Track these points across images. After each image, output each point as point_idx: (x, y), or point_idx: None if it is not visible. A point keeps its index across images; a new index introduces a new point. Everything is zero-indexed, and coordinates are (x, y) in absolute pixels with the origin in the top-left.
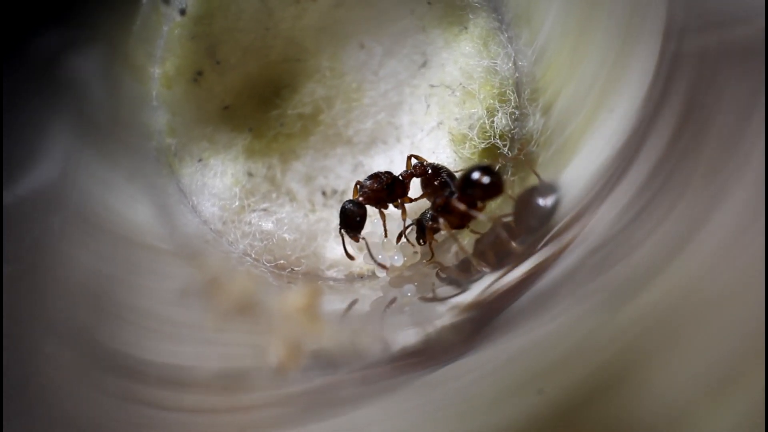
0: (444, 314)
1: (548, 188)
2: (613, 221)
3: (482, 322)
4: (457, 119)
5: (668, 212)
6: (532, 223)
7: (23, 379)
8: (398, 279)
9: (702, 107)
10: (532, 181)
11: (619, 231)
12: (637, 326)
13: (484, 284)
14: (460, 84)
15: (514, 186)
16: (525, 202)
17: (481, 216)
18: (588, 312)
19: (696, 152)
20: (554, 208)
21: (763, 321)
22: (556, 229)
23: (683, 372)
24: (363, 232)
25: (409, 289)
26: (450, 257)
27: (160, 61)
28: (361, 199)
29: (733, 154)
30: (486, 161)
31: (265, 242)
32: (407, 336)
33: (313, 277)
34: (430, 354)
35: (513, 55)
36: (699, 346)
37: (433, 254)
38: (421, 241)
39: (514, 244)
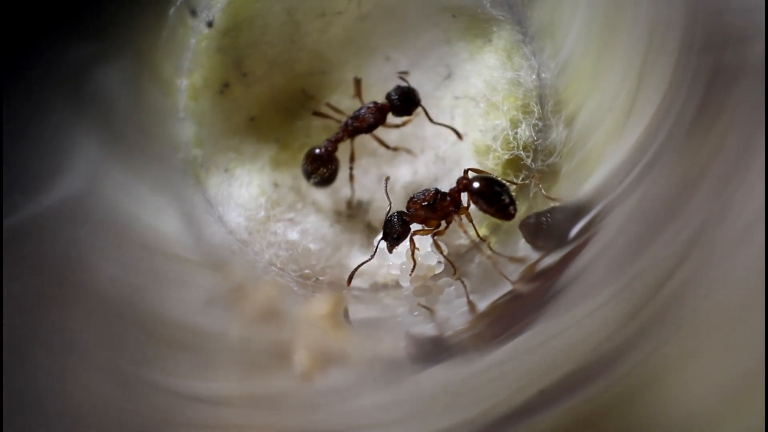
0: (466, 323)
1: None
2: (632, 231)
3: (502, 330)
4: (481, 130)
5: (685, 222)
6: (539, 245)
7: (49, 389)
8: (422, 289)
9: (721, 121)
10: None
11: (637, 240)
12: (656, 335)
13: (503, 292)
14: (484, 96)
15: (536, 197)
16: (535, 224)
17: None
18: (607, 321)
19: (712, 165)
20: (563, 233)
21: None
22: (574, 237)
23: (703, 381)
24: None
25: (433, 299)
26: (473, 267)
27: (187, 73)
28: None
29: (749, 166)
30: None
31: (290, 252)
32: (430, 344)
33: (338, 287)
34: (452, 362)
35: (536, 67)
36: (719, 355)
37: (455, 269)
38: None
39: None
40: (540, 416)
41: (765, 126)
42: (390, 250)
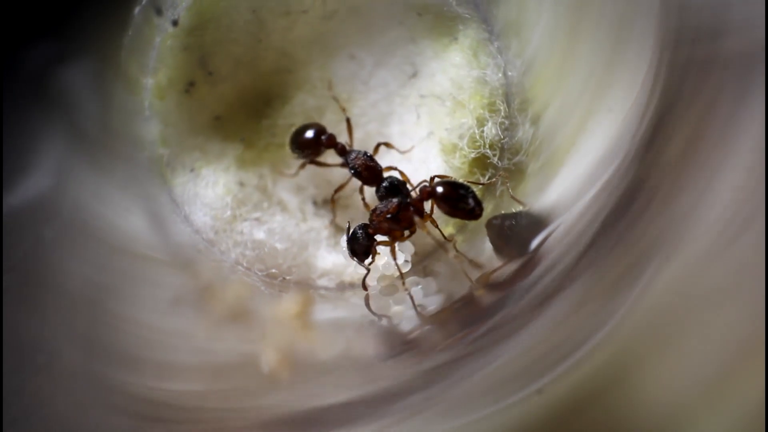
0: (434, 321)
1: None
2: (601, 227)
3: (474, 326)
4: (447, 129)
5: (656, 217)
6: (503, 246)
7: (17, 389)
8: (389, 288)
9: (689, 117)
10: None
11: (606, 236)
12: (631, 328)
13: (471, 290)
14: (450, 94)
15: (503, 195)
16: (500, 226)
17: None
18: (581, 315)
19: (682, 161)
20: (529, 235)
21: (762, 321)
22: (546, 234)
23: (679, 374)
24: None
25: (401, 297)
26: (441, 265)
27: (152, 72)
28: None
29: (724, 160)
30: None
31: (256, 251)
32: (398, 343)
33: (305, 286)
34: (420, 360)
35: (503, 65)
36: (693, 348)
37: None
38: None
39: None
40: (514, 412)
41: (764, 118)
42: (360, 263)
